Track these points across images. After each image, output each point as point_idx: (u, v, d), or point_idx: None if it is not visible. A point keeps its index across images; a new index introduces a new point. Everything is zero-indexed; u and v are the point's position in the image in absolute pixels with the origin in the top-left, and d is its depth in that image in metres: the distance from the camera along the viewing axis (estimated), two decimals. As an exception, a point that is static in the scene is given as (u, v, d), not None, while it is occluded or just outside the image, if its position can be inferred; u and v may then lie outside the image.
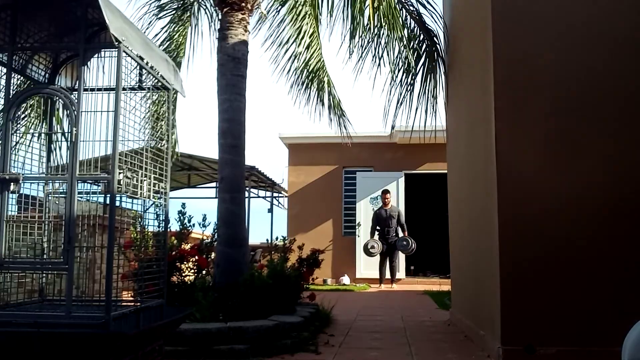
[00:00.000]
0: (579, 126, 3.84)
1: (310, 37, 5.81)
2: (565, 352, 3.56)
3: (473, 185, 4.92)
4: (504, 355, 3.59)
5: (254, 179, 13.48)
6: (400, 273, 11.96)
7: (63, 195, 2.53)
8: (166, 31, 6.76)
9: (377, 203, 12.32)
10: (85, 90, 2.59)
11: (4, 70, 2.69)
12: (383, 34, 5.84)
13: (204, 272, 5.02)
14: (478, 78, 4.56)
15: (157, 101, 5.84)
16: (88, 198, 2.68)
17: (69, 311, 2.35)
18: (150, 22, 6.70)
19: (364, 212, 12.66)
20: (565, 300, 3.66)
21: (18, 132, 2.78)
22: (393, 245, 11.16)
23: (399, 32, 5.75)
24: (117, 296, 2.61)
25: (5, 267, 2.58)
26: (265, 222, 22.35)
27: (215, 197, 12.94)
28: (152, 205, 2.93)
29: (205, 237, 5.72)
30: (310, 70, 6.13)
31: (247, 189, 12.44)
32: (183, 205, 5.11)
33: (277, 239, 8.89)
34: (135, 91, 2.74)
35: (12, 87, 2.69)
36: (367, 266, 12.12)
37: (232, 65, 5.57)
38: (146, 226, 3.33)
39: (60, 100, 2.73)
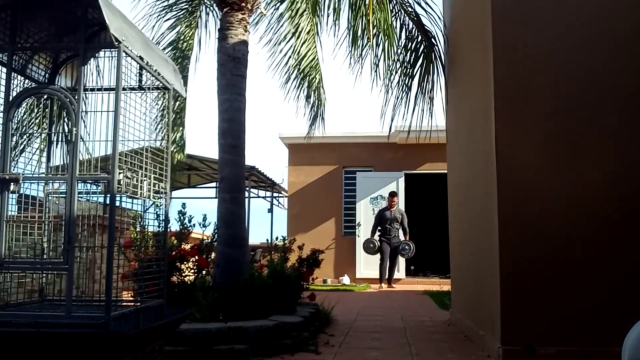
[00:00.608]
0: (579, 126, 3.84)
1: (307, 34, 5.83)
2: (565, 352, 3.56)
3: (473, 185, 4.92)
4: (504, 355, 3.59)
5: (254, 179, 13.49)
6: (400, 273, 11.96)
7: (63, 195, 2.53)
8: (174, 32, 6.77)
9: (377, 203, 12.33)
10: (85, 90, 2.59)
11: (4, 70, 2.69)
12: (380, 38, 5.84)
13: (204, 272, 5.02)
14: (478, 78, 4.56)
15: (162, 102, 5.89)
16: (88, 198, 2.68)
17: (69, 311, 2.35)
18: (157, 23, 6.72)
19: (364, 212, 12.66)
20: (565, 300, 3.66)
21: (18, 132, 2.78)
22: (395, 248, 11.18)
23: (395, 36, 5.78)
24: (117, 296, 2.61)
25: (5, 267, 2.58)
26: (265, 222, 22.36)
27: (215, 197, 12.94)
28: (152, 205, 2.93)
29: (205, 237, 5.72)
30: (301, 70, 6.17)
31: (247, 189, 12.44)
32: (183, 205, 5.11)
33: (277, 239, 8.89)
34: (135, 91, 2.74)
35: (12, 87, 2.69)
36: (367, 266, 12.12)
37: (232, 65, 5.57)
38: (146, 226, 3.32)
39: (60, 100, 2.72)
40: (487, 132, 4.09)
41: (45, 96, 2.80)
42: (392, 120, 6.21)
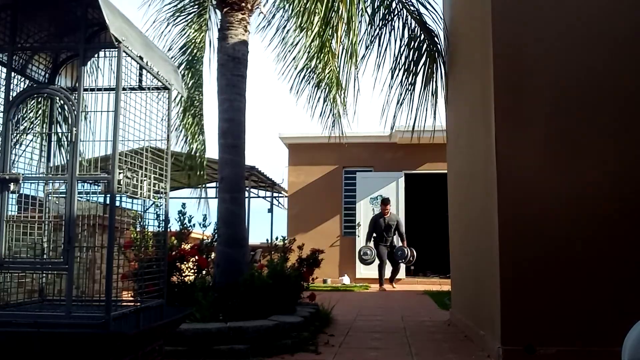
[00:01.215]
0: (579, 126, 3.84)
1: (319, 28, 5.84)
2: (565, 352, 3.56)
3: (473, 185, 4.92)
4: (504, 355, 3.59)
5: (254, 179, 13.48)
6: (400, 273, 11.96)
7: (63, 195, 2.53)
8: (185, 36, 6.79)
9: (377, 203, 12.32)
10: (85, 90, 2.59)
11: (4, 70, 2.69)
12: (384, 35, 5.86)
13: (204, 272, 5.02)
14: (478, 78, 4.56)
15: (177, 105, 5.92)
16: (88, 198, 2.68)
17: (69, 311, 2.35)
18: (166, 28, 6.75)
19: (364, 212, 12.67)
20: (565, 300, 3.66)
21: (18, 131, 2.78)
22: (392, 253, 11.17)
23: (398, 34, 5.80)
24: (117, 296, 2.61)
25: (5, 267, 2.58)
26: (265, 222, 22.37)
27: (216, 197, 12.95)
28: (152, 205, 2.93)
29: (205, 237, 5.72)
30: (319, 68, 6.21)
31: (247, 189, 12.44)
32: (183, 205, 5.11)
33: (277, 239, 8.90)
34: (135, 91, 2.74)
35: (12, 87, 2.69)
36: (367, 266, 12.12)
37: (232, 65, 5.57)
38: (146, 226, 3.32)
39: (60, 100, 2.73)
40: (487, 132, 4.09)
41: (45, 96, 2.80)
42: (394, 118, 6.21)
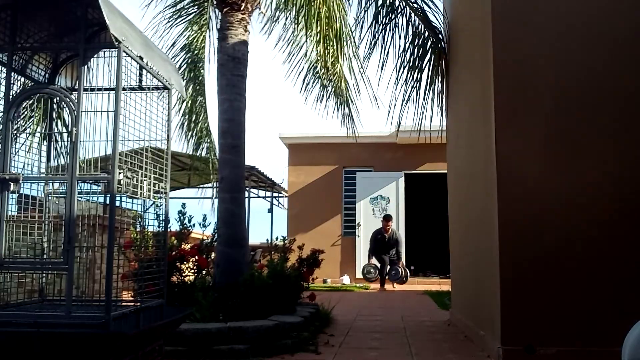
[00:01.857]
0: (579, 126, 3.84)
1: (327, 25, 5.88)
2: (565, 352, 3.56)
3: (473, 185, 4.92)
4: (504, 355, 3.59)
5: (254, 179, 13.48)
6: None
7: (63, 196, 2.53)
8: (185, 36, 6.80)
9: (377, 203, 12.32)
10: (85, 90, 2.59)
11: (4, 70, 2.69)
12: (388, 32, 5.88)
13: (204, 272, 5.02)
14: (478, 78, 4.56)
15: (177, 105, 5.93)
16: (88, 198, 2.68)
17: (69, 311, 2.35)
18: (168, 29, 6.75)
19: (364, 212, 12.67)
20: (565, 301, 3.66)
21: (19, 131, 2.78)
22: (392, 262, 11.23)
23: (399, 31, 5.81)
24: (117, 296, 2.61)
25: (5, 267, 2.58)
26: (265, 222, 22.38)
27: (216, 197, 12.94)
28: (152, 205, 2.93)
29: (205, 237, 5.72)
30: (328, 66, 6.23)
31: (247, 189, 12.44)
32: (183, 205, 5.11)
33: (277, 239, 8.89)
34: (135, 91, 2.74)
35: (11, 87, 2.69)
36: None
37: (232, 65, 5.57)
38: (146, 226, 3.32)
39: (60, 100, 2.73)
40: (487, 132, 4.08)
41: (45, 96, 2.80)
42: (400, 117, 6.21)
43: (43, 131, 2.94)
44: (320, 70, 6.47)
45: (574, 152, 3.82)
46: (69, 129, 2.55)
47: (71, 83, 3.01)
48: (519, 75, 3.94)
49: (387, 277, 11.16)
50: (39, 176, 2.82)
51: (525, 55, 3.95)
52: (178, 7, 6.77)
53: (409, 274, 11.41)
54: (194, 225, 5.10)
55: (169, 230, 3.30)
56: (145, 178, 2.70)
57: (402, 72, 6.09)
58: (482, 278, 4.41)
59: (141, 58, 2.68)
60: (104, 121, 2.50)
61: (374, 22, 6.01)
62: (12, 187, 2.56)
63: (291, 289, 5.15)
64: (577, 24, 3.95)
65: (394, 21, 6.03)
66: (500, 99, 3.91)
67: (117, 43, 2.38)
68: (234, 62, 5.58)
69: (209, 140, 7.11)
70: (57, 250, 2.77)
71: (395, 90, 6.09)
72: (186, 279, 4.79)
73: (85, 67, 2.57)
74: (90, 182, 2.69)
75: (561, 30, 3.95)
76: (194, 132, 7.05)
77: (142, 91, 2.82)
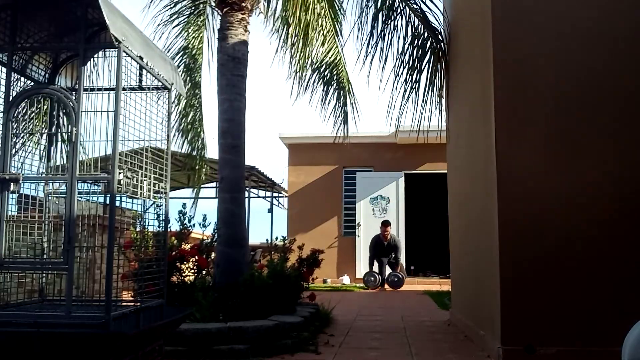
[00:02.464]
0: (579, 126, 3.84)
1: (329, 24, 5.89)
2: (565, 352, 3.56)
3: (473, 185, 4.92)
4: (504, 355, 3.59)
5: (254, 179, 13.48)
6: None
7: (63, 196, 2.53)
8: (183, 37, 6.80)
9: (377, 203, 12.32)
10: (85, 90, 2.59)
11: (4, 70, 2.69)
12: (387, 33, 5.88)
13: (204, 272, 5.02)
14: (478, 78, 4.56)
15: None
16: (88, 198, 2.68)
17: (69, 311, 2.35)
18: (165, 30, 6.76)
19: (364, 212, 12.66)
20: (565, 300, 3.66)
21: (19, 131, 2.77)
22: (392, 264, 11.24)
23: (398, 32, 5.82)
24: (117, 296, 2.61)
25: (5, 267, 2.58)
26: (265, 222, 22.39)
27: (215, 197, 12.94)
28: (152, 205, 2.93)
29: (205, 237, 5.72)
30: (328, 63, 6.23)
31: (247, 189, 12.44)
32: (183, 205, 5.11)
33: (277, 239, 8.89)
34: (135, 91, 2.74)
35: (11, 87, 2.69)
36: (367, 266, 12.11)
37: (232, 65, 5.58)
38: (146, 226, 3.33)
39: (60, 100, 2.72)
40: (487, 132, 4.08)
41: (45, 96, 2.80)
42: (399, 117, 6.21)
43: (43, 131, 2.94)
44: (321, 67, 6.47)
45: (574, 152, 3.82)
46: (69, 129, 2.55)
47: (71, 83, 3.01)
48: (519, 75, 3.94)
49: (386, 281, 11.16)
50: (39, 176, 2.82)
51: (525, 55, 3.95)
52: (175, 8, 6.78)
53: (406, 276, 11.45)
54: (194, 225, 5.11)
55: (169, 230, 3.30)
56: (145, 178, 2.70)
57: (401, 73, 6.09)
58: (482, 278, 4.41)
59: (141, 58, 2.68)
60: (104, 121, 2.50)
61: (374, 22, 6.01)
62: (12, 187, 2.56)
63: (291, 289, 5.15)
64: (577, 24, 3.95)
65: (393, 22, 6.04)
66: (500, 99, 3.91)
67: (117, 43, 2.38)
68: (234, 62, 5.58)
69: (199, 140, 7.08)
70: (57, 250, 2.77)
71: (395, 90, 6.09)
72: (186, 279, 4.79)
73: (86, 66, 2.57)
74: (90, 182, 2.69)
75: (561, 30, 3.95)
76: (188, 132, 7.04)
77: (142, 91, 2.82)
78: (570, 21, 3.96)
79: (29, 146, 2.86)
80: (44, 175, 2.86)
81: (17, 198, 2.68)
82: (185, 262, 4.86)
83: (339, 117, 6.87)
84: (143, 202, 2.84)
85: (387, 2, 6.01)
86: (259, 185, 14.94)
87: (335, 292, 9.93)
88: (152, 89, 2.91)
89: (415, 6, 6.11)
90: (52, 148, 2.94)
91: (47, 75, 2.96)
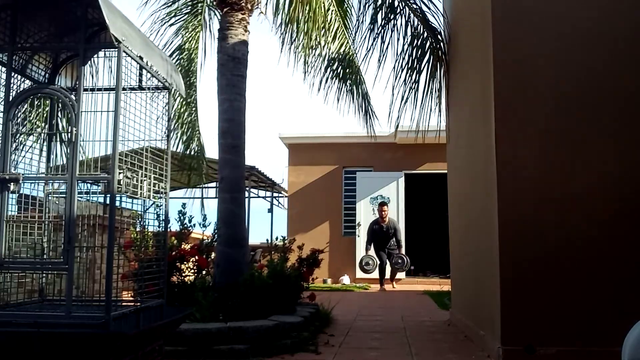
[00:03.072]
0: (579, 126, 3.84)
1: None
2: (565, 352, 3.56)
3: (473, 185, 4.92)
4: (504, 355, 3.59)
5: (254, 179, 13.48)
6: (400, 273, 11.96)
7: (63, 196, 2.53)
8: (180, 36, 6.81)
9: (377, 203, 12.31)
10: (85, 90, 2.59)
11: (4, 70, 2.69)
12: (387, 33, 5.90)
13: (204, 272, 5.02)
14: (478, 78, 4.56)
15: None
16: (88, 198, 2.68)
17: (69, 311, 2.35)
18: (161, 29, 6.77)
19: (364, 212, 12.66)
20: (565, 301, 3.66)
21: (19, 131, 2.77)
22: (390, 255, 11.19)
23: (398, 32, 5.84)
24: (117, 296, 2.61)
25: (5, 267, 2.58)
26: (265, 222, 22.38)
27: (215, 197, 12.95)
28: (152, 205, 2.93)
29: (205, 237, 5.72)
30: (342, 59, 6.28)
31: (247, 189, 12.44)
32: (183, 205, 5.11)
33: (277, 239, 8.89)
34: (135, 91, 2.74)
35: (11, 87, 2.69)
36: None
37: (232, 65, 5.57)
38: (146, 226, 3.33)
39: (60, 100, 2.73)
40: (487, 132, 4.09)
41: (45, 96, 2.80)
42: (398, 117, 6.21)
43: (42, 131, 2.94)
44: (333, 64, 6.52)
45: (574, 152, 3.82)
46: (69, 129, 2.55)
47: (71, 83, 3.01)
48: (519, 75, 3.94)
49: (386, 278, 11.15)
50: (39, 176, 2.82)
51: (525, 55, 3.95)
52: (173, 7, 6.78)
53: (409, 261, 11.35)
54: (194, 225, 5.11)
55: (169, 230, 3.30)
56: (145, 178, 2.70)
57: (401, 74, 6.10)
58: (482, 278, 4.41)
59: (141, 58, 2.68)
60: (103, 121, 2.50)
61: (373, 22, 6.01)
62: (12, 187, 2.56)
63: (291, 289, 5.15)
64: (577, 24, 3.95)
65: (392, 22, 6.04)
66: (500, 99, 3.91)
67: (117, 43, 2.38)
68: (234, 62, 5.58)
69: (196, 140, 7.09)
70: (57, 250, 2.77)
71: (394, 90, 6.10)
72: (186, 279, 4.79)
73: (86, 66, 2.57)
74: (90, 182, 2.69)
75: (561, 30, 3.95)
76: (183, 133, 7.05)
77: (142, 91, 2.82)
78: (570, 21, 3.96)
79: (29, 146, 2.86)
80: (44, 175, 2.86)
81: (17, 198, 2.68)
82: (185, 262, 4.86)
83: (357, 112, 6.88)
84: (143, 202, 2.84)
85: (387, 1, 6.02)
86: (259, 185, 14.94)
87: (335, 292, 9.93)
88: (152, 89, 2.91)
89: (415, 6, 6.11)
90: (52, 148, 2.94)
91: (47, 75, 2.96)
